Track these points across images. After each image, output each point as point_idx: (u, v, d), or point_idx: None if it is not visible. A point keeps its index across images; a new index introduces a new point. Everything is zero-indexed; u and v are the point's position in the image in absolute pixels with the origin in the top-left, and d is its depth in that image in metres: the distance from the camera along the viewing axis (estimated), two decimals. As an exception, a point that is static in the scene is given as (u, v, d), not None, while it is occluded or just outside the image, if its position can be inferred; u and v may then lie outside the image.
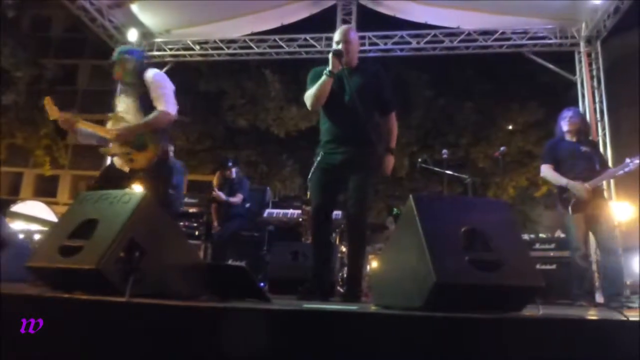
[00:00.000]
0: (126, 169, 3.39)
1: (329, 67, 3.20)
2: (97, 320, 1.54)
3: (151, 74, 3.43)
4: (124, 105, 3.47)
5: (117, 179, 3.39)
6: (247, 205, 6.54)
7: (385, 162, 3.40)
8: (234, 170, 6.44)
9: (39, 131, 15.85)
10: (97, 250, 1.82)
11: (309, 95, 3.32)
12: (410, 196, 1.83)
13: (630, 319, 1.62)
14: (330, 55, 3.22)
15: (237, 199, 6.29)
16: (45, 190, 23.46)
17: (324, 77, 3.22)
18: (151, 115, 3.32)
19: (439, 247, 1.67)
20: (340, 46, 3.31)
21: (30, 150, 17.37)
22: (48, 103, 3.45)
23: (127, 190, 3.34)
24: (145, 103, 3.37)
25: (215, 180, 6.66)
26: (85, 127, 3.47)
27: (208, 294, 2.36)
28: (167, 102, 3.37)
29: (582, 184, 4.08)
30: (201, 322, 1.51)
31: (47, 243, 2.09)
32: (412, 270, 1.79)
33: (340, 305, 2.51)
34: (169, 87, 3.46)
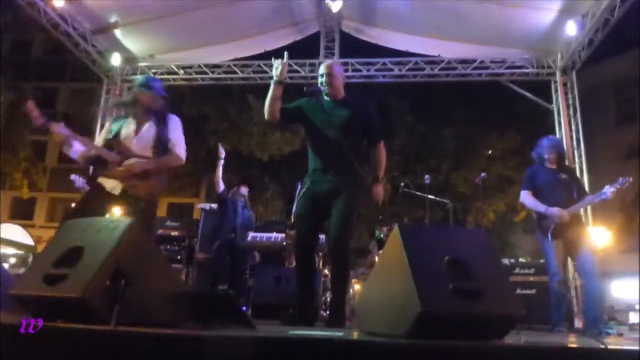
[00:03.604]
0: (116, 192, 3.29)
1: (276, 76, 3.29)
2: (83, 349, 1.54)
3: (176, 117, 3.60)
4: (128, 131, 3.40)
5: (97, 205, 3.30)
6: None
7: (374, 191, 3.44)
8: (243, 189, 6.55)
9: (18, 155, 15.62)
10: (83, 279, 1.80)
11: (265, 108, 3.42)
12: (397, 226, 1.86)
13: (609, 347, 1.67)
14: (276, 65, 3.28)
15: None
16: (22, 213, 23.00)
17: (272, 86, 3.33)
18: (166, 157, 3.43)
19: (425, 277, 1.71)
20: (324, 79, 3.41)
21: (8, 174, 17.06)
22: (31, 108, 3.08)
23: (113, 217, 3.29)
24: (163, 138, 3.44)
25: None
26: (84, 144, 3.30)
27: (193, 321, 2.35)
28: (182, 148, 3.53)
29: (561, 210, 4.17)
30: (187, 350, 1.51)
31: (32, 271, 2.07)
32: (397, 299, 1.81)
33: (325, 331, 2.52)
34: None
